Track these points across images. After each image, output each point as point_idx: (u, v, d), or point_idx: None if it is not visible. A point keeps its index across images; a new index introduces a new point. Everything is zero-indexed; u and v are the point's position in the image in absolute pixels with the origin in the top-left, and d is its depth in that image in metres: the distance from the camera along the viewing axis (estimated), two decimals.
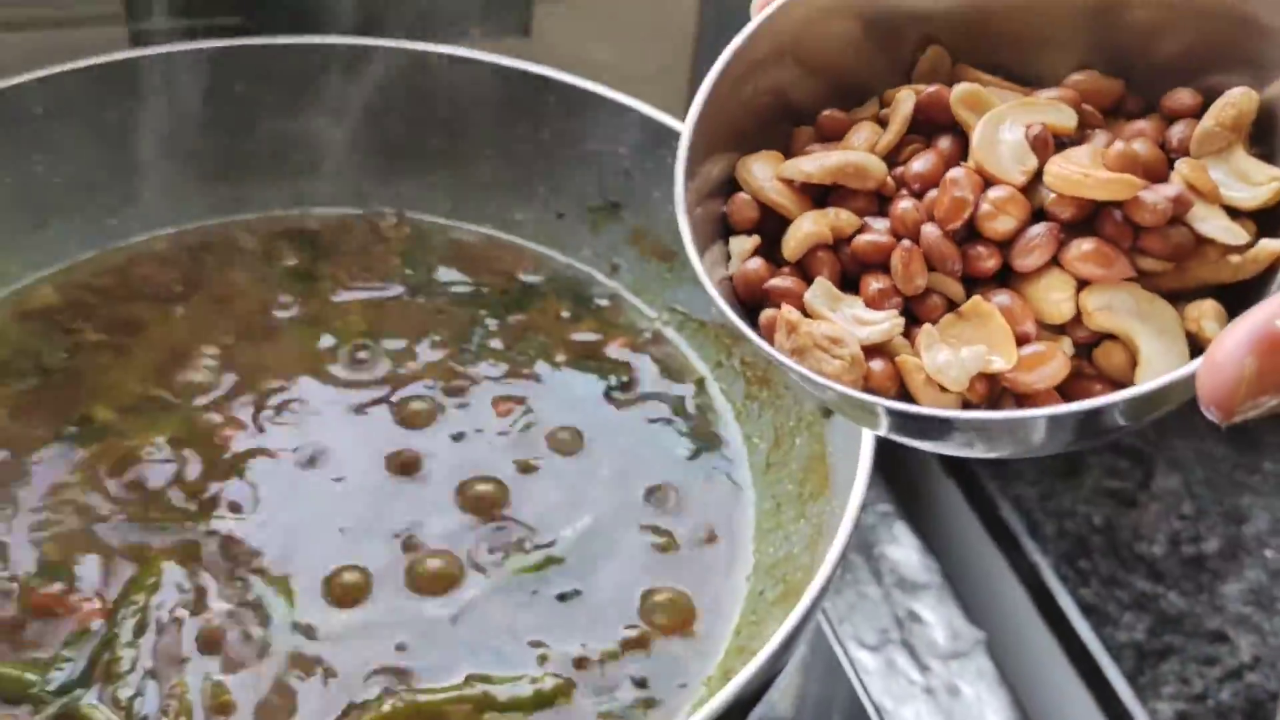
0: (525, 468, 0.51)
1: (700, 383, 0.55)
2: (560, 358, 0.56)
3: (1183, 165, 0.30)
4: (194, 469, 0.50)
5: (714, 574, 0.48)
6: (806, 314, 0.31)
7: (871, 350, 0.30)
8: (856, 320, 0.30)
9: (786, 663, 0.38)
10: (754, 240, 0.32)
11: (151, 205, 0.60)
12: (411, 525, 0.48)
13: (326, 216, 0.62)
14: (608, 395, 0.54)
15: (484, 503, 0.49)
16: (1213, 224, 0.29)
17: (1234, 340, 0.23)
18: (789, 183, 0.32)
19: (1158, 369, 0.27)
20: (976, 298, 0.29)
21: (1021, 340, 0.29)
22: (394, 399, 0.53)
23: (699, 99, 0.32)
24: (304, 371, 0.54)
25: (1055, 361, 0.28)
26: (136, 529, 0.47)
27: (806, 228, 0.31)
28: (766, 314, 0.31)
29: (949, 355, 0.29)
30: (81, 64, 0.57)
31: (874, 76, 0.34)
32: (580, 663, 0.44)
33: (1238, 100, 0.29)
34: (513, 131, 0.61)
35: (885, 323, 0.30)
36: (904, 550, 0.77)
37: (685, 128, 0.32)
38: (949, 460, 0.79)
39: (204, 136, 0.60)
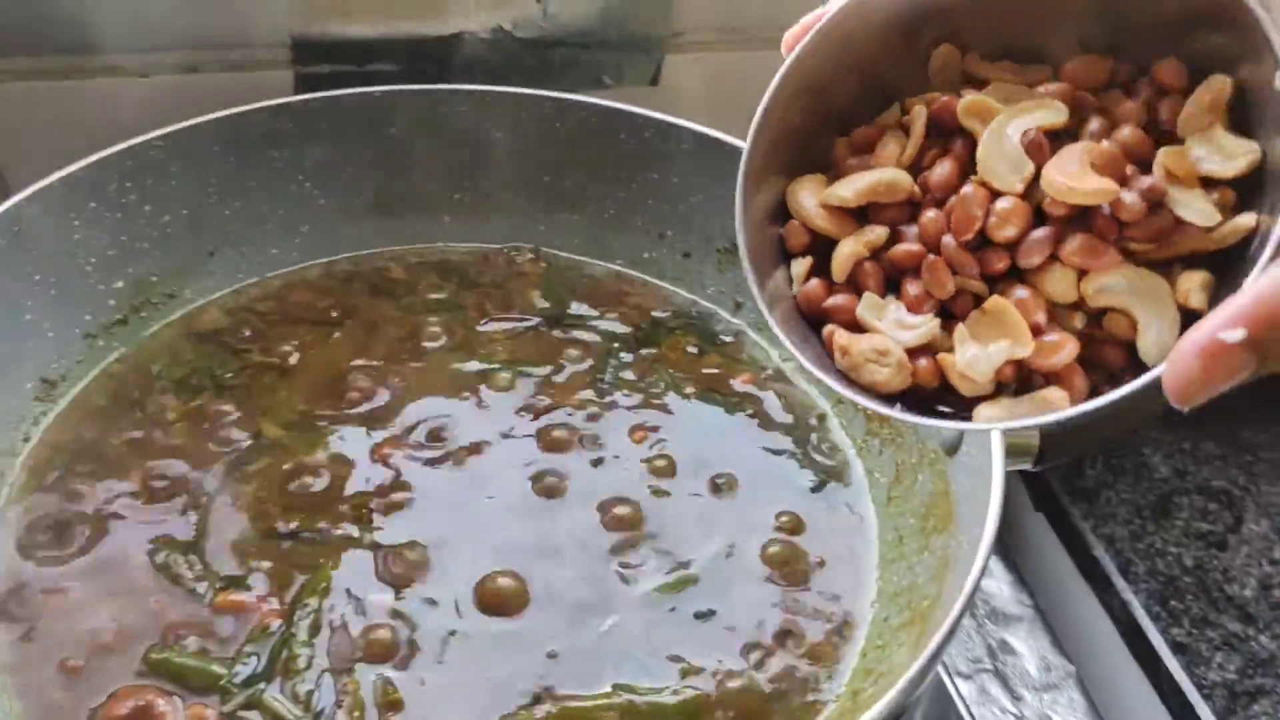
0: (660, 493, 0.54)
1: (822, 418, 0.59)
2: (689, 390, 0.59)
3: (1163, 155, 0.34)
4: (354, 484, 0.54)
5: (839, 600, 0.51)
6: (860, 325, 0.35)
7: (916, 350, 0.35)
8: (900, 325, 0.35)
9: (926, 681, 0.41)
10: (808, 262, 0.37)
11: (309, 237, 0.65)
12: (556, 543, 0.52)
13: (469, 250, 0.66)
14: (735, 427, 0.57)
15: (623, 524, 0.53)
16: (1189, 208, 0.33)
17: (1186, 346, 0.29)
18: (831, 207, 0.36)
19: (1153, 331, 0.32)
20: (995, 297, 0.34)
21: (1035, 330, 0.33)
22: (537, 425, 0.57)
23: (752, 132, 0.37)
24: (452, 395, 0.58)
25: (1067, 347, 0.33)
26: (307, 538, 0.52)
27: (847, 250, 0.36)
28: (826, 330, 0.36)
29: (977, 351, 0.34)
30: (253, 107, 0.62)
31: (900, 75, 0.38)
32: (717, 677, 0.48)
33: (1215, 85, 0.33)
34: (643, 174, 0.65)
35: (923, 326, 0.35)
36: (996, 583, 0.79)
37: (741, 162, 0.37)
38: (1041, 497, 0.81)
39: (358, 174, 0.65)
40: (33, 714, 0.46)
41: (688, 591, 0.50)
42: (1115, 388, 0.32)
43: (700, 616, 0.50)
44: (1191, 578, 0.78)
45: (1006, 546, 0.79)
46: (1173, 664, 0.71)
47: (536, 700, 0.46)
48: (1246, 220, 0.32)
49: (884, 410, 0.35)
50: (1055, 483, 0.80)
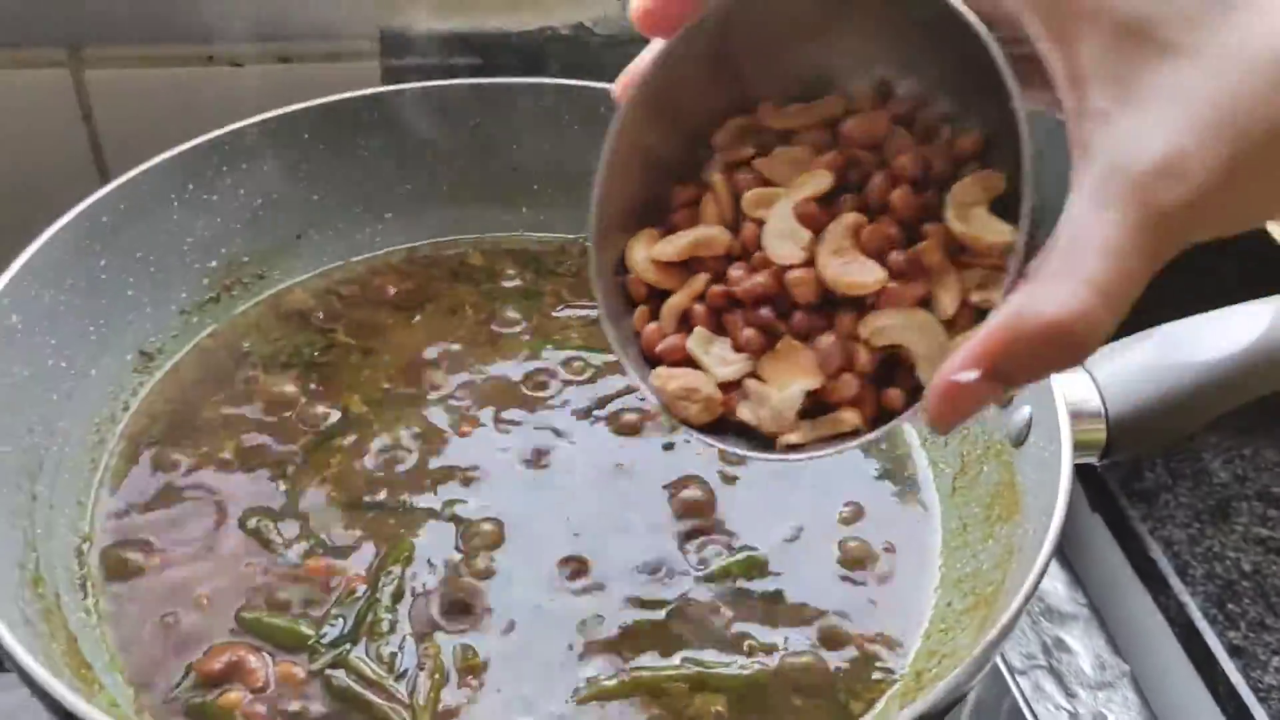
0: (728, 478, 0.56)
1: None
2: None
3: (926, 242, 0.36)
4: (435, 460, 0.56)
5: (902, 585, 0.52)
6: (692, 360, 0.39)
7: (730, 385, 0.39)
8: (721, 360, 0.39)
9: (988, 664, 0.43)
10: (642, 312, 0.40)
11: (392, 223, 0.68)
12: (627, 522, 0.54)
13: (545, 239, 0.68)
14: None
15: (693, 507, 0.54)
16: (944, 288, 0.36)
17: (934, 385, 0.33)
18: (660, 262, 0.40)
19: (926, 364, 0.36)
20: (786, 339, 0.38)
21: (826, 366, 0.37)
22: (608, 409, 0.59)
23: (594, 199, 0.40)
24: (528, 379, 0.60)
25: (852, 385, 0.37)
26: (391, 508, 0.54)
27: (673, 302, 0.40)
28: (654, 371, 0.40)
29: (769, 392, 0.38)
30: (343, 97, 0.64)
31: (716, 115, 0.40)
32: (783, 655, 0.49)
33: (990, 180, 0.36)
34: None
35: (736, 364, 0.39)
36: (1051, 581, 0.80)
37: (589, 226, 0.40)
38: (1099, 498, 0.82)
39: (440, 164, 0.67)
40: (133, 666, 0.48)
41: (755, 573, 0.52)
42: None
43: (766, 597, 0.51)
44: (1250, 582, 0.78)
45: (1062, 545, 0.80)
46: (1229, 667, 0.72)
47: (609, 671, 0.48)
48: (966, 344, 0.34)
49: (696, 436, 0.39)
50: (1114, 484, 0.81)
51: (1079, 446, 0.48)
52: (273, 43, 0.69)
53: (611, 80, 0.65)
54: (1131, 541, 0.80)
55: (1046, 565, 0.43)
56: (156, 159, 0.59)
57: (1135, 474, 0.82)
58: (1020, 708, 0.62)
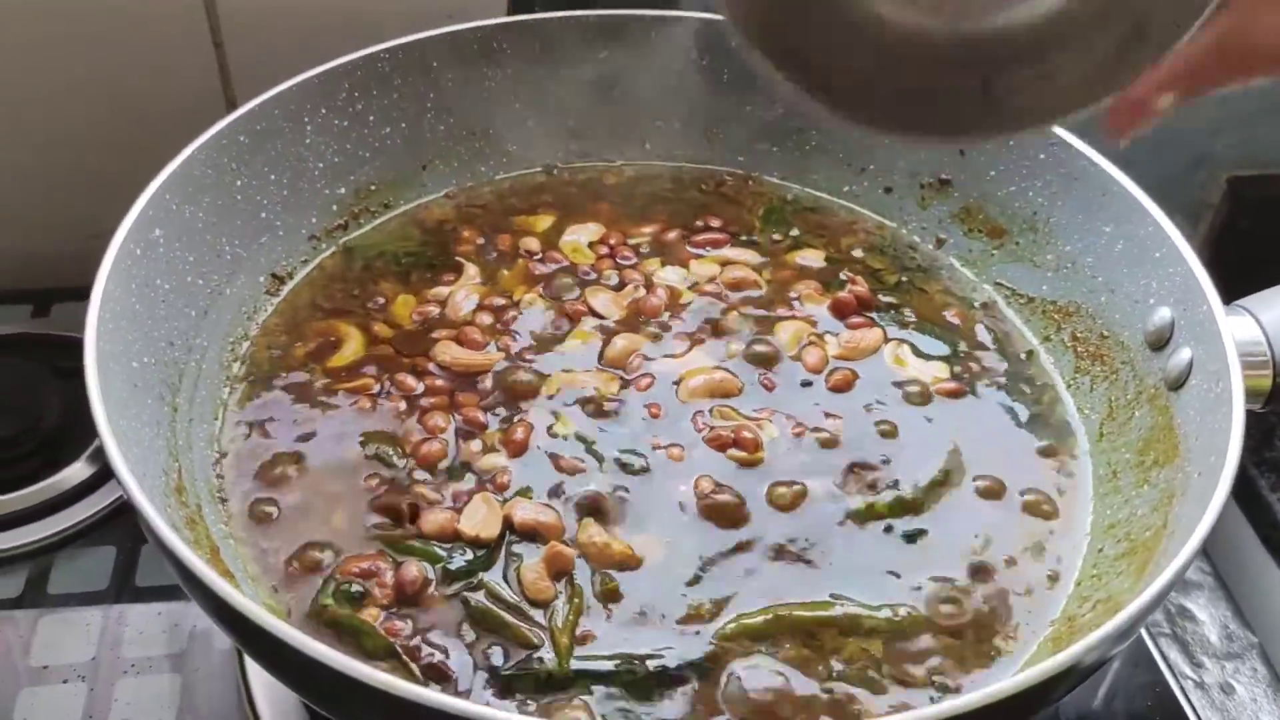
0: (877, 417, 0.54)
1: (1030, 354, 0.58)
2: (908, 317, 0.59)
3: None
4: (571, 389, 0.55)
5: (1051, 530, 0.50)
6: None
7: None
8: None
9: (1159, 607, 0.41)
10: None
11: (516, 156, 0.67)
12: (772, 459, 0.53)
13: (673, 169, 0.67)
14: (949, 359, 0.57)
15: (833, 444, 0.53)
16: None
17: None
18: None
19: None
20: None
21: None
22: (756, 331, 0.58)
23: None
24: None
25: None
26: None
27: None
28: None
29: None
30: (471, 25, 0.64)
31: None
32: (931, 595, 0.48)
33: None
34: None
35: None
36: None
37: None
38: None
39: (566, 98, 0.66)
40: (272, 578, 0.48)
41: (902, 513, 0.50)
42: None
43: (911, 538, 0.50)
44: None
45: None
46: None
47: (765, 606, 0.47)
48: None
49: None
50: (1244, 453, 0.78)
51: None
52: None
53: None
54: (1260, 511, 0.77)
55: (1222, 506, 0.41)
56: (291, 81, 0.58)
57: (1265, 442, 0.79)
58: (1159, 668, 0.60)
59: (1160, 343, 0.52)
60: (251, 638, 0.38)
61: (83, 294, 0.73)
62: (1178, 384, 0.50)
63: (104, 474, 0.63)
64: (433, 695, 0.35)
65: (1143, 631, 0.62)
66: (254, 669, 0.55)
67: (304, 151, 0.60)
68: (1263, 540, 0.76)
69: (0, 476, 0.62)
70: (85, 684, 0.55)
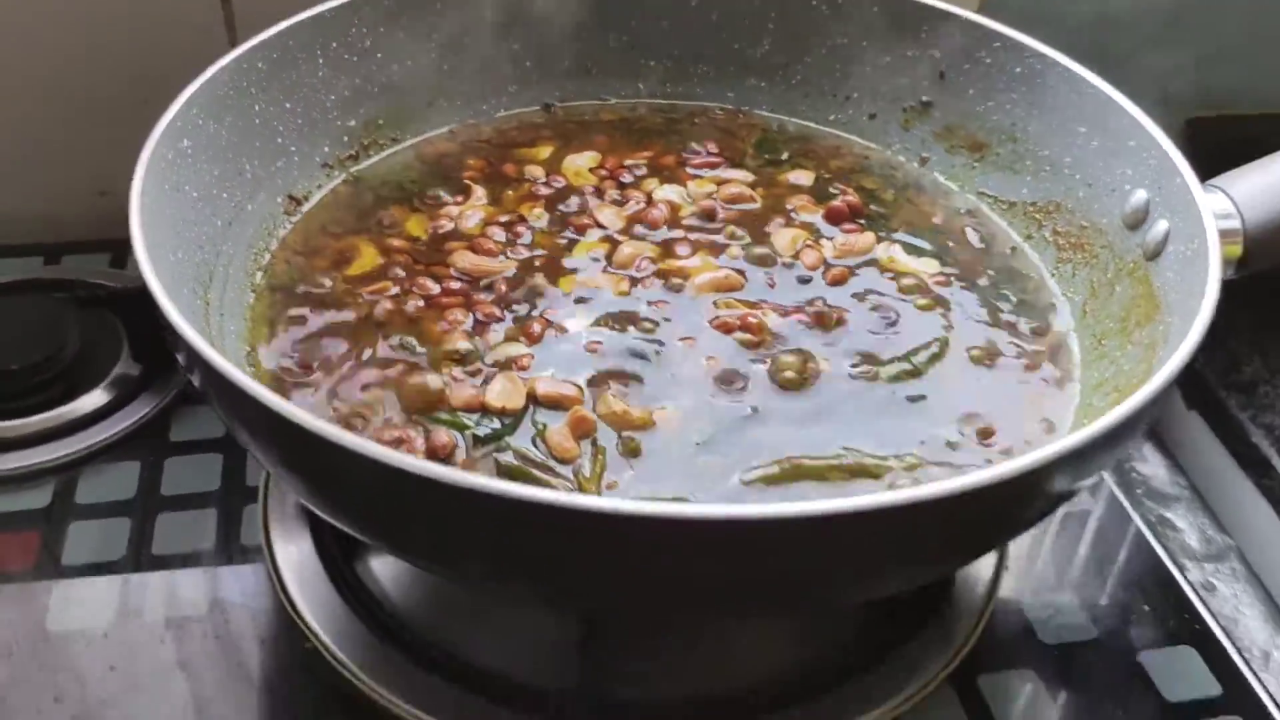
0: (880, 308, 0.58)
1: (1014, 250, 0.62)
2: (896, 224, 0.63)
3: None
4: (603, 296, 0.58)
5: (1044, 391, 0.54)
6: None
7: None
8: None
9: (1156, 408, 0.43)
10: None
11: (517, 96, 0.70)
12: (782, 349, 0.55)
13: (666, 106, 0.71)
14: (938, 256, 0.61)
15: (826, 320, 0.56)
16: None
17: None
18: None
19: None
20: None
21: None
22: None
23: None
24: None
25: None
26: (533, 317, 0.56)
27: None
28: None
29: None
30: None
31: None
32: (934, 447, 0.50)
33: None
34: (830, 40, 0.68)
35: None
36: (1152, 467, 0.81)
37: None
38: (1196, 393, 0.83)
39: (561, 40, 0.70)
40: None
41: (906, 380, 0.53)
42: None
43: (913, 399, 0.53)
44: None
45: (1161, 435, 0.81)
46: None
47: (775, 460, 0.49)
48: None
49: None
50: (1212, 378, 0.82)
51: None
52: None
53: None
54: (1232, 430, 0.81)
55: (1205, 330, 0.44)
56: (310, 11, 0.61)
57: (1233, 367, 0.83)
58: (1147, 539, 0.63)
59: (1138, 222, 0.56)
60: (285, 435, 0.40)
61: (92, 247, 0.76)
62: (1155, 253, 0.54)
63: (121, 400, 0.66)
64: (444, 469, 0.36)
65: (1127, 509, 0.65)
66: (283, 554, 0.57)
67: (317, 83, 0.63)
68: (1235, 456, 0.80)
69: (26, 402, 0.63)
70: (118, 577, 0.57)
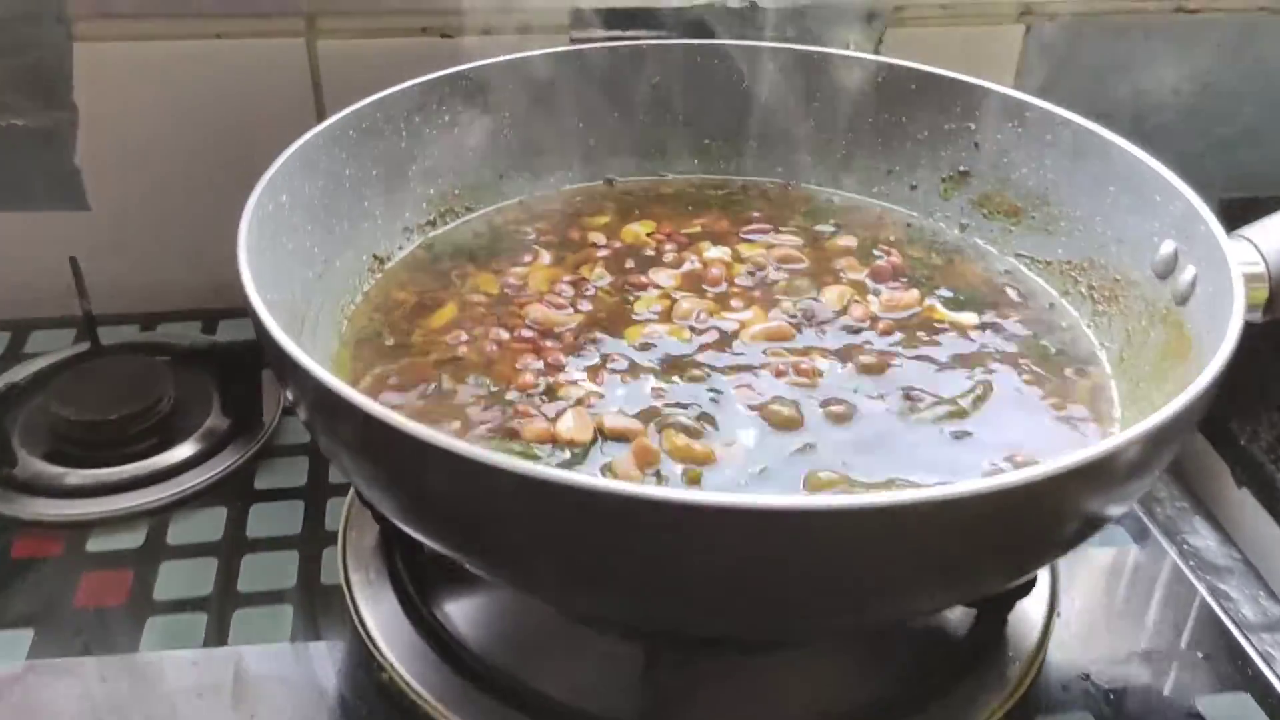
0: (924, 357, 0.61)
1: (1052, 305, 0.65)
2: (938, 281, 0.67)
3: None
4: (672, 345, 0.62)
5: (1085, 431, 0.56)
6: None
7: None
8: None
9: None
10: None
11: (581, 169, 0.75)
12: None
13: (722, 181, 0.76)
14: (979, 309, 0.64)
15: (873, 370, 0.60)
16: None
17: None
18: None
19: None
20: None
21: None
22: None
23: None
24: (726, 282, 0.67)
25: None
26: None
27: None
28: None
29: None
30: (540, 52, 0.73)
31: None
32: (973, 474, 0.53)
33: None
34: (878, 117, 0.73)
35: None
36: (1203, 540, 0.82)
37: None
38: (1244, 471, 0.85)
39: (624, 118, 0.75)
40: None
41: (951, 419, 0.56)
42: None
43: (958, 436, 0.56)
44: None
45: (1211, 511, 0.83)
46: None
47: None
48: None
49: None
50: (1259, 453, 0.83)
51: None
52: (480, 14, 0.78)
53: (782, 39, 0.75)
54: (1233, 450, 0.82)
55: (1230, 354, 0.47)
56: (394, 88, 0.67)
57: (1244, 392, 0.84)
58: (1198, 589, 0.65)
59: (1167, 270, 0.59)
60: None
61: (184, 316, 0.81)
62: (1185, 298, 0.57)
63: (211, 450, 0.70)
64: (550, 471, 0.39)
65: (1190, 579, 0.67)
66: (361, 592, 0.60)
67: (400, 153, 0.68)
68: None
69: (124, 451, 0.68)
70: (204, 614, 0.60)
